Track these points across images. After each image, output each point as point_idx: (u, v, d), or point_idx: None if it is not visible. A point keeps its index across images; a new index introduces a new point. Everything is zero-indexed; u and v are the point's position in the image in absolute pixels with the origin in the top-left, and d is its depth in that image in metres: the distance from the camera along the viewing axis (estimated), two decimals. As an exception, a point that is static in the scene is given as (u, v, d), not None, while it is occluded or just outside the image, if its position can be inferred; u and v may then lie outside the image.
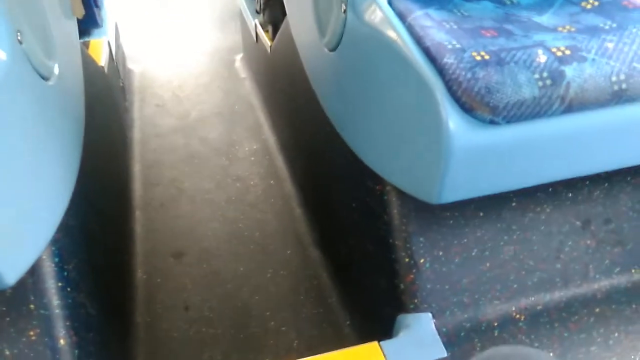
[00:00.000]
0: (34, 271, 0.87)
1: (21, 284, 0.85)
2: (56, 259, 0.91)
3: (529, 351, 0.44)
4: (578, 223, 1.07)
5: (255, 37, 2.17)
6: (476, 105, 0.76)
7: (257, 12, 2.11)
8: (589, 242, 1.08)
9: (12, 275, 0.72)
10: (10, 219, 0.74)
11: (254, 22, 2.16)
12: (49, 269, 0.90)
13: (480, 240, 1.03)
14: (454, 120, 0.78)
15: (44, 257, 0.89)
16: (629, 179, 1.08)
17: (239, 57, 2.67)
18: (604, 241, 1.09)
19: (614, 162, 0.93)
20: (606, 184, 1.07)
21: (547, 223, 1.06)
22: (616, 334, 1.01)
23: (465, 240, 1.03)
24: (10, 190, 0.75)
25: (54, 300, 0.89)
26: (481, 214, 1.03)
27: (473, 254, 1.03)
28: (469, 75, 0.77)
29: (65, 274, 0.93)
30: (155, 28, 3.07)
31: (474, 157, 0.81)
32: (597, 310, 1.04)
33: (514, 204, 1.04)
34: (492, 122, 0.77)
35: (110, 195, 1.54)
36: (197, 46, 2.83)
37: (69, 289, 0.93)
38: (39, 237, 0.84)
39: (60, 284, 0.91)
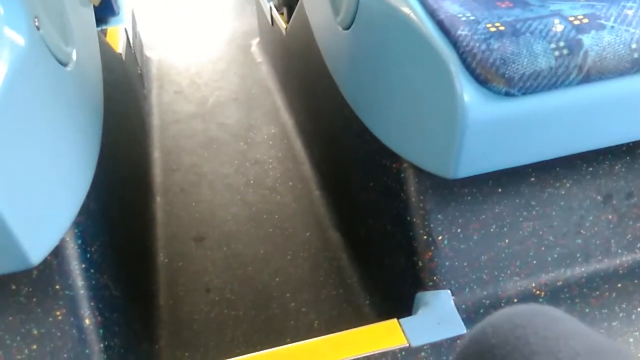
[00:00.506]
0: (58, 253, 0.89)
1: (46, 265, 0.87)
2: (79, 241, 0.93)
3: (542, 308, 0.44)
4: (599, 198, 1.06)
5: (271, 21, 2.16)
6: (491, 77, 0.75)
7: (272, -5, 2.11)
8: (610, 216, 1.06)
9: (37, 254, 0.74)
10: (33, 201, 0.76)
11: (269, 5, 2.15)
12: (72, 251, 0.91)
13: (498, 216, 1.02)
14: (468, 93, 0.77)
15: (67, 239, 0.90)
16: (651, 151, 1.06)
17: (255, 41, 2.67)
18: (626, 216, 1.07)
19: (635, 133, 0.91)
20: (628, 158, 1.05)
21: (567, 198, 1.04)
22: (639, 309, 1.00)
23: (483, 216, 1.02)
24: (32, 173, 0.77)
25: (78, 281, 0.91)
26: (499, 190, 1.02)
27: (492, 230, 1.02)
28: (483, 46, 0.76)
29: (89, 255, 0.95)
30: (171, 15, 3.09)
31: (490, 129, 0.80)
32: (619, 285, 1.03)
33: (532, 179, 1.03)
34: (507, 94, 0.76)
35: (131, 181, 1.56)
36: (214, 32, 2.84)
37: (92, 271, 0.95)
38: (61, 218, 0.86)
39: (83, 266, 0.93)
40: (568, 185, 1.04)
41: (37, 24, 0.90)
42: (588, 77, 0.77)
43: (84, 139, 1.06)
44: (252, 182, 1.80)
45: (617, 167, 1.06)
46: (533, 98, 0.78)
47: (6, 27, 0.80)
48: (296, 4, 1.70)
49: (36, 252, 0.74)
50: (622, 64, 0.78)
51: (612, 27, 0.78)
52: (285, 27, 1.94)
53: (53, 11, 1.05)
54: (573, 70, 0.76)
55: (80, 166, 1.01)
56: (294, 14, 1.77)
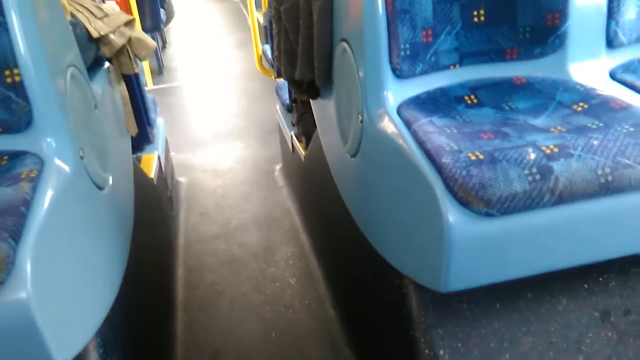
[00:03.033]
0: None
1: None
2: (101, 350, 1.00)
3: None
4: (596, 314, 1.09)
5: (292, 148, 2.34)
6: (472, 199, 0.85)
7: (293, 125, 2.30)
8: (609, 333, 1.09)
9: (62, 358, 0.81)
10: (62, 308, 0.85)
11: (290, 134, 2.34)
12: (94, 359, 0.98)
13: (498, 331, 1.06)
14: (452, 214, 0.86)
15: (90, 347, 0.97)
16: (644, 269, 1.11)
17: (278, 166, 2.85)
18: (625, 333, 1.09)
19: (610, 251, 0.97)
20: (621, 275, 1.10)
21: (565, 314, 1.08)
22: None
23: (483, 331, 1.06)
24: (63, 282, 0.87)
25: None
26: (497, 305, 1.07)
27: (492, 345, 1.06)
28: (464, 172, 0.86)
29: None
30: (202, 143, 3.33)
31: (473, 246, 0.87)
32: (624, 403, 1.03)
33: (529, 295, 1.08)
34: (487, 215, 0.85)
35: (154, 296, 1.64)
36: (240, 158, 3.05)
37: None
38: (86, 326, 0.94)
39: None
40: (565, 301, 1.08)
41: (81, 154, 1.05)
42: (561, 199, 0.86)
43: (112, 255, 1.17)
44: (269, 299, 1.86)
45: (611, 285, 1.10)
46: (512, 218, 0.86)
47: (56, 158, 0.96)
48: (313, 133, 1.86)
49: (61, 355, 0.81)
50: (590, 188, 0.86)
51: (579, 155, 0.88)
52: (303, 153, 2.10)
53: (96, 142, 1.21)
54: (546, 193, 0.85)
55: (107, 280, 1.10)
56: (310, 143, 1.93)
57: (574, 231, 0.90)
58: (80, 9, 1.54)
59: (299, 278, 1.96)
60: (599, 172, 0.86)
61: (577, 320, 1.08)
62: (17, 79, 0.96)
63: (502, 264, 0.91)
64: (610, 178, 0.86)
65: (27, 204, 0.84)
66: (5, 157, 0.96)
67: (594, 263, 0.99)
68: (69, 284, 0.89)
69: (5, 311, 0.74)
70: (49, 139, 0.99)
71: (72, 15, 1.46)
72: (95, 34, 1.51)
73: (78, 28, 1.44)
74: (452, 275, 0.89)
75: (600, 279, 1.10)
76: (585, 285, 1.10)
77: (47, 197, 0.88)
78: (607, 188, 0.87)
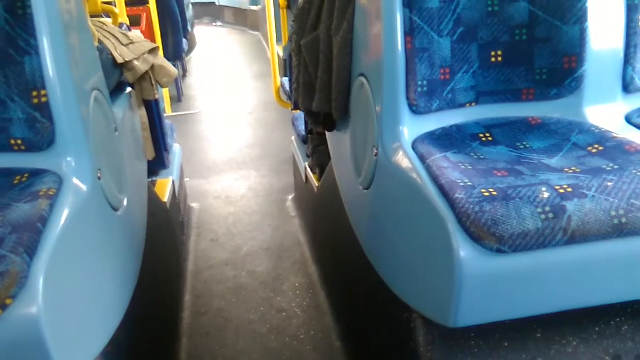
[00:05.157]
0: None
1: None
2: None
3: None
4: (608, 358, 1.07)
5: (305, 179, 2.36)
6: (484, 235, 0.85)
7: (308, 156, 2.32)
8: None
9: None
10: (70, 326, 0.85)
11: (304, 165, 2.36)
12: None
13: None
14: (464, 249, 0.86)
15: None
16: (658, 314, 1.10)
17: (290, 197, 2.87)
18: None
19: (623, 294, 0.96)
20: (635, 319, 1.09)
21: (575, 356, 1.06)
22: None
23: None
24: (73, 301, 0.88)
25: None
26: (506, 344, 1.06)
27: None
28: (477, 208, 0.87)
29: None
30: (217, 170, 3.36)
31: (484, 283, 0.87)
32: None
33: (538, 335, 1.06)
34: (499, 251, 0.85)
35: (161, 320, 1.64)
36: (254, 187, 3.07)
37: None
38: (92, 345, 0.94)
39: None
40: (575, 343, 1.07)
41: (99, 175, 1.08)
42: (573, 239, 0.86)
43: (122, 275, 1.18)
44: (275, 329, 1.85)
45: (624, 328, 1.09)
46: (523, 256, 0.86)
47: (75, 177, 0.98)
48: (327, 165, 1.88)
49: None
50: (604, 229, 0.86)
51: (593, 196, 0.88)
52: (317, 185, 2.12)
53: (114, 164, 1.23)
54: (558, 232, 0.85)
55: (116, 300, 1.11)
56: (324, 174, 1.95)
57: (586, 272, 0.90)
58: (108, 35, 1.59)
59: (306, 309, 1.95)
60: (613, 213, 0.86)
61: (588, 364, 1.07)
62: (43, 100, 0.99)
63: (512, 301, 0.90)
64: (624, 220, 0.86)
65: (44, 220, 0.85)
66: (26, 175, 0.98)
67: (606, 305, 0.98)
68: (79, 302, 0.90)
69: (15, 325, 0.75)
70: (69, 159, 1.01)
71: (100, 41, 1.50)
72: (120, 60, 1.56)
73: (104, 54, 1.48)
74: (461, 311, 0.89)
75: (612, 322, 1.08)
76: (597, 328, 1.08)
77: (63, 215, 0.90)
78: (621, 230, 0.86)
